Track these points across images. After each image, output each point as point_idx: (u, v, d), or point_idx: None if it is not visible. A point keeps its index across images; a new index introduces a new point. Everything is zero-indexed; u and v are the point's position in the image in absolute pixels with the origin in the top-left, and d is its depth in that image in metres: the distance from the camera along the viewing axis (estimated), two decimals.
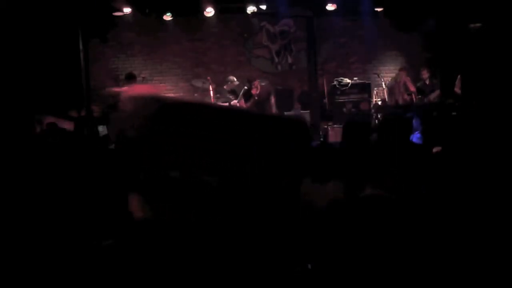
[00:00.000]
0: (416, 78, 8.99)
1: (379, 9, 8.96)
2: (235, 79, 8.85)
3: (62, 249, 2.95)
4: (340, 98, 9.27)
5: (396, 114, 7.00)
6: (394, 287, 2.69)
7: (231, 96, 8.77)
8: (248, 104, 7.97)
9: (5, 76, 6.47)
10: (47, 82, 7.19)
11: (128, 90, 6.46)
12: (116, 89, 7.56)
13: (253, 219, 3.06)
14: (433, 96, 8.40)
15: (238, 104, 8.59)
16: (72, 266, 2.87)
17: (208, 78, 8.77)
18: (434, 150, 3.89)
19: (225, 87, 8.86)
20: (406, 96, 8.29)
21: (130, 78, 8.01)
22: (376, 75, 9.51)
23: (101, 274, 2.87)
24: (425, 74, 8.56)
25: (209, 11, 8.40)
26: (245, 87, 8.39)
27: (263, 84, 8.20)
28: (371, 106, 8.86)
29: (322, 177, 3.35)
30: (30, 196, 3.22)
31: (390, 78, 8.93)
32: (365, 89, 8.91)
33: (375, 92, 9.35)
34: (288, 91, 9.62)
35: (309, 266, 3.06)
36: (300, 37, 9.93)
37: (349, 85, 9.24)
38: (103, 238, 3.06)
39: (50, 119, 6.05)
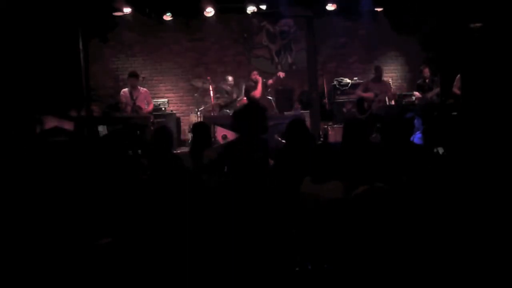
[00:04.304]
0: (417, 76, 9.03)
1: (379, 9, 8.96)
2: (230, 78, 8.83)
3: (61, 248, 2.94)
4: (340, 98, 9.30)
5: (396, 114, 7.01)
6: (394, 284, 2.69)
7: (228, 96, 8.78)
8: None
9: (5, 76, 6.46)
10: (47, 82, 7.18)
11: None
12: None
13: (254, 219, 3.06)
14: (431, 94, 8.42)
15: (238, 104, 8.63)
16: (73, 264, 2.87)
17: (208, 78, 8.77)
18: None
19: (223, 86, 8.88)
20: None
21: (132, 76, 8.02)
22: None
23: (98, 273, 2.87)
24: (426, 72, 8.58)
25: (209, 11, 8.39)
26: (244, 85, 8.49)
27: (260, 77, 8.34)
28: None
29: (322, 177, 3.35)
30: (30, 195, 3.22)
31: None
32: None
33: None
34: (288, 91, 9.62)
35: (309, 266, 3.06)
36: (300, 37, 9.93)
37: (349, 85, 9.27)
38: (101, 237, 3.06)
39: (51, 121, 6.05)
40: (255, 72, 8.50)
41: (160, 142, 4.19)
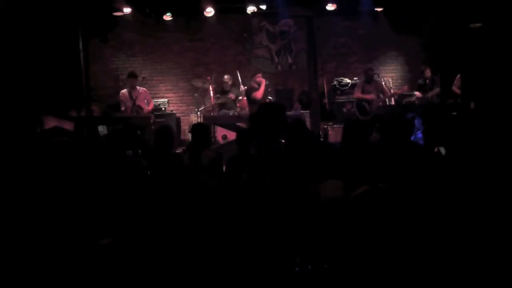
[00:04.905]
0: (417, 76, 9.04)
1: (379, 9, 8.95)
2: (226, 77, 8.83)
3: (62, 249, 2.94)
4: (340, 98, 9.30)
5: (397, 114, 7.01)
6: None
7: (227, 95, 8.78)
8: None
9: (5, 76, 6.46)
10: (47, 82, 7.18)
11: None
12: None
13: (254, 219, 3.06)
14: (431, 94, 8.43)
15: (239, 104, 8.64)
16: (72, 265, 2.87)
17: (208, 78, 8.77)
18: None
19: (223, 87, 8.88)
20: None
21: (131, 77, 8.03)
22: (376, 75, 9.49)
23: (99, 273, 2.86)
24: (428, 73, 8.59)
25: (209, 11, 8.39)
26: (245, 88, 8.51)
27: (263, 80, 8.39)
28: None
29: (322, 177, 3.35)
30: (30, 195, 3.21)
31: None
32: None
33: None
34: (288, 91, 9.62)
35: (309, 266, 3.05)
36: (300, 37, 9.92)
37: (349, 85, 9.28)
38: (101, 237, 3.06)
39: (51, 121, 6.05)
40: (259, 75, 8.52)
41: (162, 142, 4.20)
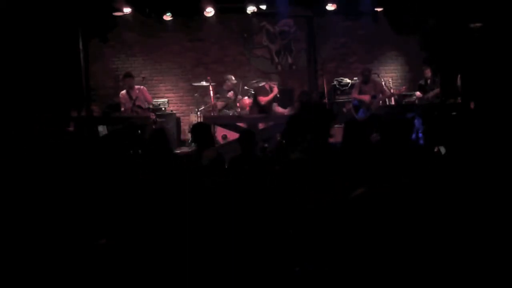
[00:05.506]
0: (418, 76, 9.04)
1: (379, 9, 8.96)
2: (233, 78, 8.84)
3: (61, 249, 2.95)
4: (340, 98, 9.30)
5: (397, 114, 7.01)
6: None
7: (229, 96, 8.78)
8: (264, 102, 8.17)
9: (5, 76, 6.47)
10: (47, 82, 7.19)
11: None
12: None
13: (254, 219, 3.06)
14: (432, 94, 8.43)
15: (238, 104, 8.64)
16: (71, 265, 2.87)
17: (208, 78, 8.77)
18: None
19: (224, 86, 8.87)
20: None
21: (127, 77, 8.02)
22: (376, 75, 9.49)
23: (98, 273, 2.87)
24: (428, 73, 8.59)
25: (209, 11, 8.40)
26: (252, 92, 8.51)
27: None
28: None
29: (322, 177, 3.35)
30: (30, 195, 3.22)
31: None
32: None
33: None
34: (288, 91, 9.62)
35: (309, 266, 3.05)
36: (300, 37, 9.92)
37: (349, 85, 9.27)
38: (100, 238, 3.06)
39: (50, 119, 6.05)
40: (276, 83, 8.48)
41: (157, 144, 4.20)
